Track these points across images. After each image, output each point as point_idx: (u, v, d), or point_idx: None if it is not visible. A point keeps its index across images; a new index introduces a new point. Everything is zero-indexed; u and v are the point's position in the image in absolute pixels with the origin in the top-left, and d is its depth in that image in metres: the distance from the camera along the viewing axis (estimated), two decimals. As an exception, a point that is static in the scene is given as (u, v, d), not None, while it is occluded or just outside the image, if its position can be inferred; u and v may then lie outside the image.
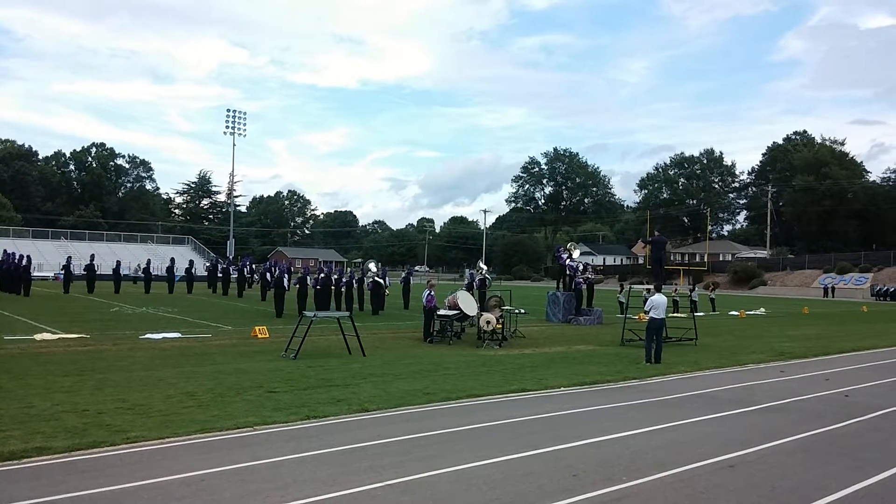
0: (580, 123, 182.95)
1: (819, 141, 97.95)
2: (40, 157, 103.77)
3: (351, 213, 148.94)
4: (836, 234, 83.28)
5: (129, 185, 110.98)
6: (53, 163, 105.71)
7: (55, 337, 14.78)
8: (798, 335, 20.98)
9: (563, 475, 5.88)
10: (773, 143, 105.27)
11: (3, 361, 11.35)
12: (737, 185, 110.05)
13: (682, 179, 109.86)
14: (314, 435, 7.13)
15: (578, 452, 6.66)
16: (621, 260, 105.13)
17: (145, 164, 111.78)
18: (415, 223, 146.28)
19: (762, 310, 34.03)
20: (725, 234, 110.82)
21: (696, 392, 10.44)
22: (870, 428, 8.21)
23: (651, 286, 16.21)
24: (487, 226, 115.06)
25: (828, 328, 24.29)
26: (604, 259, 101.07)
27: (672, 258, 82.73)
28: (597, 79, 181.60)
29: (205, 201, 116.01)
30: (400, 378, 10.77)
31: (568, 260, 23.62)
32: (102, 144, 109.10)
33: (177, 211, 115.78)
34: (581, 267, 24.28)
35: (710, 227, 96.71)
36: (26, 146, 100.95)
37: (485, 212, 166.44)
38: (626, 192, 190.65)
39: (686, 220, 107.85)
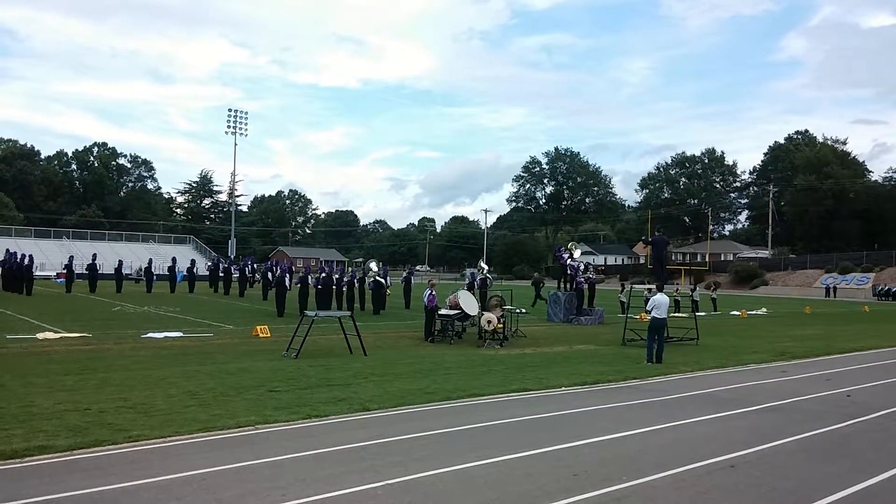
0: (581, 123, 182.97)
1: (821, 140, 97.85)
2: (42, 156, 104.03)
3: (352, 212, 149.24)
4: (837, 234, 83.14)
5: (130, 184, 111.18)
6: (55, 162, 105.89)
7: (57, 336, 14.80)
8: (800, 335, 20.95)
9: (564, 475, 5.88)
10: (775, 142, 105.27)
11: (6, 360, 11.37)
12: (738, 184, 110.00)
13: (683, 179, 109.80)
14: (315, 434, 7.14)
15: (579, 452, 6.66)
16: (622, 260, 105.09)
17: (147, 164, 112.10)
18: (416, 223, 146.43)
19: (764, 310, 34.00)
20: (727, 233, 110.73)
21: (698, 392, 10.44)
22: (871, 428, 8.20)
23: (652, 286, 16.21)
24: (488, 225, 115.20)
25: (829, 328, 24.26)
26: (605, 259, 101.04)
27: (673, 258, 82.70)
28: (598, 79, 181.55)
29: (206, 201, 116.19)
30: (401, 377, 10.77)
31: (569, 260, 23.62)
32: (104, 144, 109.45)
33: (178, 210, 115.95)
34: (582, 267, 24.28)
35: (711, 227, 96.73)
36: (28, 146, 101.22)
37: (486, 211, 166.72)
38: (627, 192, 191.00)
39: (687, 220, 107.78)
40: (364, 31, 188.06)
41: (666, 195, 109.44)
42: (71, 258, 34.22)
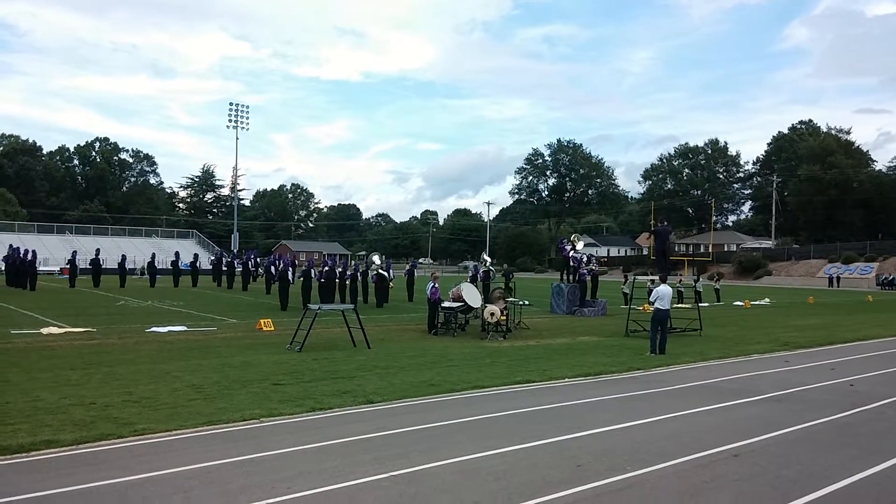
0: (584, 114, 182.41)
1: (824, 130, 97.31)
2: (44, 152, 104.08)
3: (354, 205, 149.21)
4: (841, 224, 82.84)
5: (133, 179, 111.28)
6: (58, 158, 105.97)
7: (61, 331, 14.86)
8: (803, 325, 20.94)
9: (568, 465, 5.90)
10: (779, 132, 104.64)
11: (11, 355, 11.43)
12: (741, 175, 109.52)
13: (686, 170, 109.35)
14: (319, 427, 7.16)
15: (583, 443, 6.68)
16: (625, 251, 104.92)
17: (149, 159, 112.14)
18: (418, 216, 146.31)
19: (767, 300, 33.97)
20: (730, 224, 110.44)
21: (701, 382, 10.44)
22: (875, 417, 8.20)
23: (655, 277, 16.19)
24: (491, 218, 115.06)
25: (833, 318, 24.22)
26: (608, 250, 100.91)
27: (676, 249, 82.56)
28: (600, 69, 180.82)
29: (209, 195, 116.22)
30: (404, 370, 10.80)
31: (572, 251, 23.59)
32: (106, 139, 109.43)
33: (181, 205, 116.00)
34: (585, 258, 24.25)
35: (714, 218, 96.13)
36: (30, 141, 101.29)
37: (488, 204, 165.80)
38: (630, 183, 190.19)
39: (690, 211, 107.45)
40: (365, 23, 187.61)
41: (669, 186, 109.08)
42: (74, 253, 34.33)
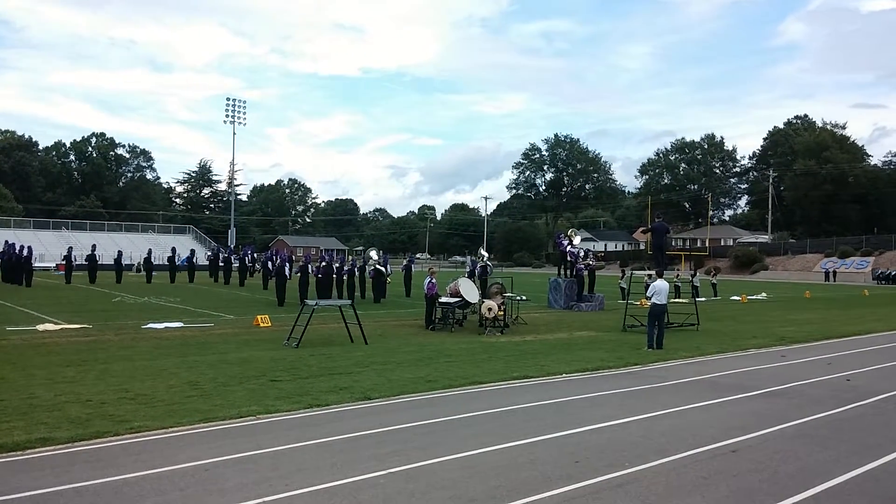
0: (581, 110, 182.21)
1: (820, 125, 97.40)
2: (41, 147, 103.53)
3: (352, 200, 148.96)
4: (837, 219, 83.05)
5: (129, 174, 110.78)
6: (54, 153, 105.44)
7: (57, 327, 14.81)
8: (799, 320, 20.98)
9: (566, 461, 5.89)
10: (774, 127, 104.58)
11: (6, 352, 11.37)
12: (738, 169, 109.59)
13: (682, 165, 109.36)
14: (317, 423, 7.14)
15: (581, 439, 6.67)
16: (622, 246, 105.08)
17: (146, 154, 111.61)
18: (416, 211, 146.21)
19: (764, 294, 34.03)
20: (727, 218, 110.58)
21: (698, 378, 10.45)
22: (871, 412, 8.22)
23: (653, 272, 16.18)
24: (488, 213, 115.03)
25: (829, 312, 24.28)
26: (605, 245, 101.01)
27: (673, 243, 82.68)
28: (597, 65, 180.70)
29: (205, 190, 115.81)
30: (402, 366, 10.79)
31: (569, 246, 23.58)
32: (102, 134, 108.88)
33: (178, 200, 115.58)
34: (582, 253, 24.25)
35: (711, 213, 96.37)
36: (26, 136, 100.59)
37: (486, 199, 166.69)
38: (627, 178, 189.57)
39: (687, 206, 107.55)
40: (364, 18, 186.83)
41: (666, 181, 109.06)
42: (70, 249, 34.16)
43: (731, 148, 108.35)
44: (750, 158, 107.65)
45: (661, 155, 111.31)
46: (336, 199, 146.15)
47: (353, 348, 12.64)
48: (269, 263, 29.33)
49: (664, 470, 5.72)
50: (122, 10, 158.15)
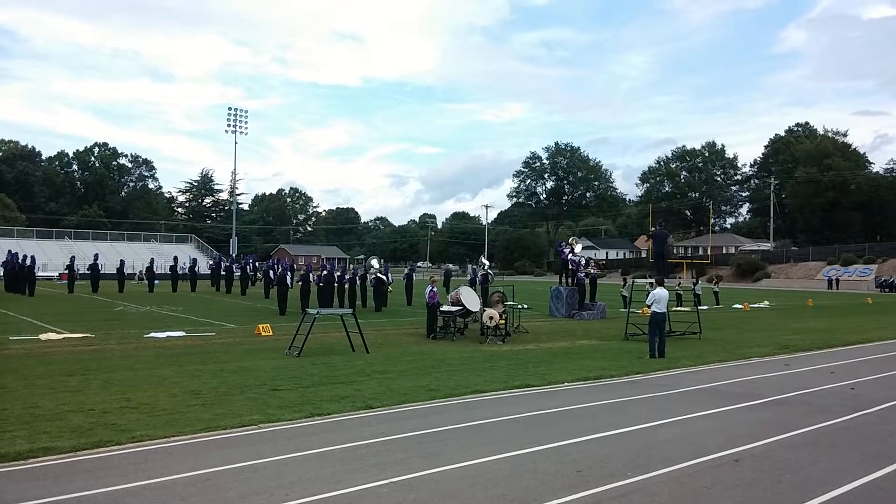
0: (581, 118, 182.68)
1: (821, 132, 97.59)
2: (43, 157, 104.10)
3: (353, 209, 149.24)
4: (839, 226, 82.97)
5: (131, 184, 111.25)
6: (57, 163, 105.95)
7: (60, 337, 14.81)
8: (802, 328, 20.92)
9: (568, 471, 5.87)
10: (776, 135, 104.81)
11: (9, 361, 11.38)
12: (739, 177, 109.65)
13: (683, 172, 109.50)
14: (318, 433, 7.13)
15: (583, 448, 6.65)
16: (624, 254, 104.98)
17: (148, 164, 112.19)
18: (417, 219, 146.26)
19: (766, 303, 33.95)
20: (728, 226, 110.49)
21: (701, 386, 10.42)
22: (876, 421, 8.17)
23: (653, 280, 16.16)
24: (489, 221, 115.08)
25: (832, 320, 24.21)
26: (606, 253, 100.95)
27: (675, 252, 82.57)
28: (598, 73, 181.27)
29: (207, 200, 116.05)
30: (403, 375, 10.77)
31: (570, 254, 23.58)
32: (105, 144, 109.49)
33: (179, 209, 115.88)
34: (583, 261, 24.24)
35: (712, 220, 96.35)
36: (29, 147, 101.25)
37: (486, 207, 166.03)
38: (628, 186, 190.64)
39: (688, 214, 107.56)
40: (364, 27, 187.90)
41: (667, 189, 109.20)
42: (72, 258, 34.25)
43: (732, 155, 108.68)
44: (751, 166, 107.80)
45: (661, 163, 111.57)
46: (337, 208, 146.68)
47: (354, 357, 12.63)
48: (271, 272, 29.36)
49: (667, 479, 5.69)
50: (126, 21, 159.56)
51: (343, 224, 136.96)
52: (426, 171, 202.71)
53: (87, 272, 33.81)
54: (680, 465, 6.08)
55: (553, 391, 9.80)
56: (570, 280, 23.78)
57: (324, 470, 5.79)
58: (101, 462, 5.94)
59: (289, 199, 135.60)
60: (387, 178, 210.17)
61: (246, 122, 74.97)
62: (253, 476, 5.60)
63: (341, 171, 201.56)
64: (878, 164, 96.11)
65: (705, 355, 13.85)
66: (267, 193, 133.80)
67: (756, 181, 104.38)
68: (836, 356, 14.35)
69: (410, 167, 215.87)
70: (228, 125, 73.77)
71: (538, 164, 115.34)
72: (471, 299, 16.66)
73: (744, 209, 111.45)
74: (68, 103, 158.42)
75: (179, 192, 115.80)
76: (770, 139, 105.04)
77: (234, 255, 58.18)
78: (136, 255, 58.03)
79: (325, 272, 23.74)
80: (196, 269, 36.70)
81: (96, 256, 34.52)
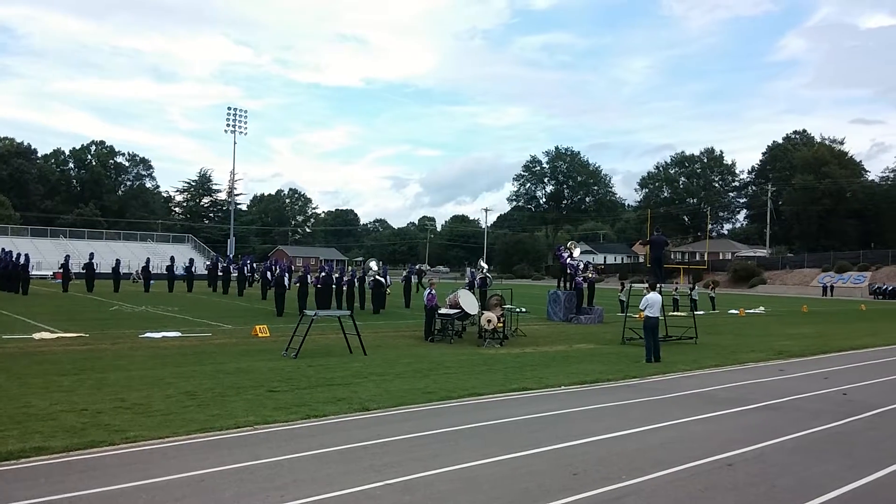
0: (582, 122, 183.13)
1: (819, 140, 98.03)
2: (39, 154, 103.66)
3: (352, 211, 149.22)
4: (835, 233, 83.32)
5: (128, 183, 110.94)
6: (53, 161, 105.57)
7: (54, 336, 14.76)
8: (797, 334, 20.98)
9: (564, 474, 5.88)
10: (773, 142, 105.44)
11: (1, 360, 11.33)
12: (737, 184, 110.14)
13: (682, 178, 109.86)
14: (314, 434, 7.12)
15: (579, 451, 6.66)
16: (622, 259, 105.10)
17: (145, 163, 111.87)
18: (416, 222, 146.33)
19: (761, 308, 34.04)
20: (725, 232, 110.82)
21: (696, 391, 10.44)
22: (868, 426, 8.20)
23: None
24: (488, 224, 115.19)
25: (827, 327, 24.28)
26: (605, 258, 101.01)
27: (672, 257, 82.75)
28: (598, 78, 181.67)
29: (205, 199, 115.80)
30: (400, 377, 10.76)
31: (568, 259, 23.61)
32: (102, 142, 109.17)
33: (177, 209, 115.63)
34: (581, 266, 24.27)
35: (710, 226, 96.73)
36: (25, 144, 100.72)
37: (486, 210, 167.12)
38: (627, 191, 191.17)
39: (686, 219, 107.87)
40: (366, 29, 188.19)
41: (665, 194, 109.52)
42: (67, 257, 34.15)
43: (730, 162, 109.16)
44: (749, 173, 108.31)
45: (660, 168, 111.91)
46: (336, 210, 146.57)
47: (351, 359, 12.62)
48: (269, 273, 29.30)
49: (662, 483, 5.70)
50: (126, 20, 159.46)
51: (342, 226, 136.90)
52: (426, 174, 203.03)
53: (81, 271, 33.67)
54: (674, 468, 6.10)
55: (550, 394, 9.81)
56: (568, 284, 23.82)
57: (319, 472, 5.78)
58: (94, 462, 5.92)
59: (288, 200, 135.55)
60: (387, 180, 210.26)
61: (246, 123, 75.03)
62: (248, 477, 5.58)
63: (341, 173, 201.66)
64: (874, 173, 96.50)
65: (701, 360, 13.88)
66: (266, 194, 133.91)
67: (753, 188, 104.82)
68: (830, 362, 14.40)
69: (410, 169, 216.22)
70: (228, 125, 73.78)
71: (538, 167, 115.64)
72: (469, 302, 16.67)
73: (741, 215, 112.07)
74: (66, 101, 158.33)
75: (177, 191, 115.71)
76: (768, 146, 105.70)
77: (231, 255, 58.07)
78: (132, 254, 57.85)
79: (323, 274, 23.74)
80: (193, 269, 36.64)
81: (91, 255, 34.41)
